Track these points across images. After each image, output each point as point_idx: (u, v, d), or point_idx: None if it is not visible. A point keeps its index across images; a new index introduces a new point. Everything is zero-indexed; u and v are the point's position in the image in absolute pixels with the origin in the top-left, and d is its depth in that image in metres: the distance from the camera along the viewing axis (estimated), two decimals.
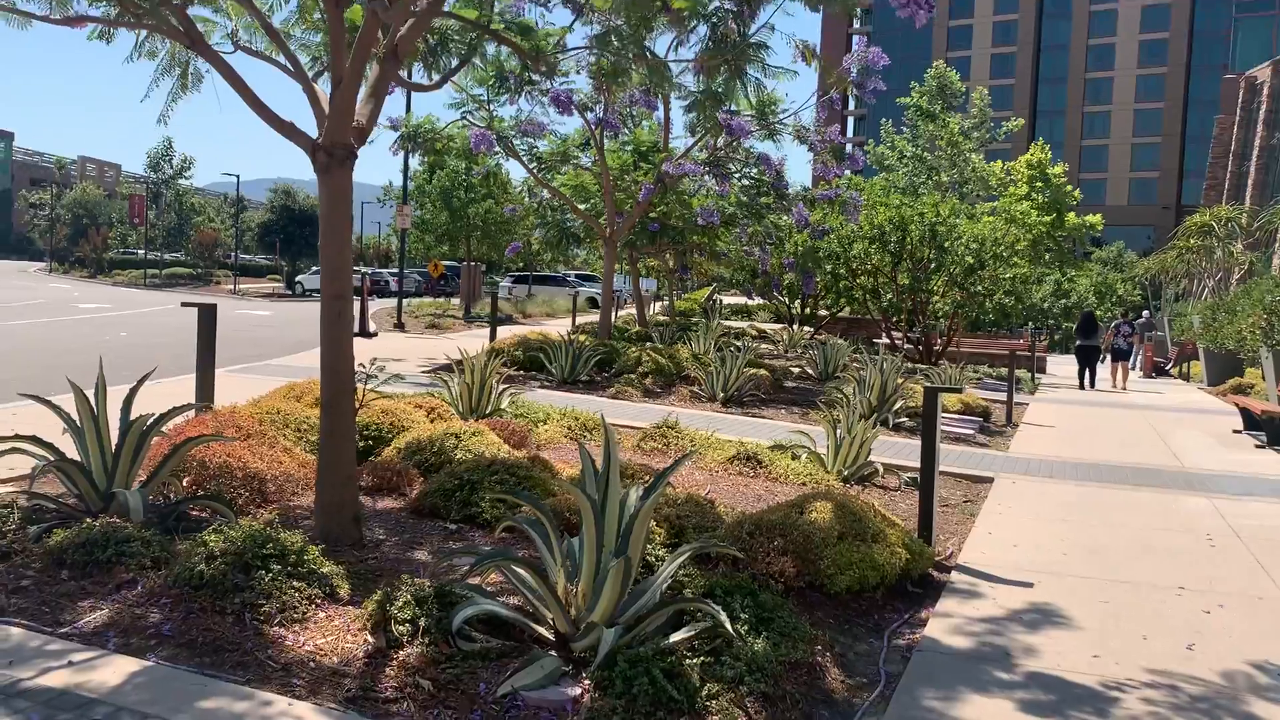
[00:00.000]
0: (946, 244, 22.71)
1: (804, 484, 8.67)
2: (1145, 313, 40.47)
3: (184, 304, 8.58)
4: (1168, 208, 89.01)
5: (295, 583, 4.59)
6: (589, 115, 16.63)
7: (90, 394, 5.78)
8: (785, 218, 20.44)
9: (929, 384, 6.63)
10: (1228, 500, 9.11)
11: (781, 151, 24.00)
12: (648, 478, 7.07)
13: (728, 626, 4.12)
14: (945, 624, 5.22)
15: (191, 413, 7.63)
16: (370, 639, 4.21)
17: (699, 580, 4.87)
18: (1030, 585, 6.01)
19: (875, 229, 23.00)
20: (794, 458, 9.44)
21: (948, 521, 7.80)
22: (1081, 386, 23.21)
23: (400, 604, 4.27)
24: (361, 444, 8.01)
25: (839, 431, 9.40)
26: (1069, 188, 47.49)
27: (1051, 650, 4.87)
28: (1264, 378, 18.15)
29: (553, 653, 4.16)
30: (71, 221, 76.86)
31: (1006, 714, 4.07)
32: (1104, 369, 25.14)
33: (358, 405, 5.81)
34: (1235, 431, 14.65)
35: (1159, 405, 19.04)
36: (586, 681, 3.97)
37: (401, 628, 4.19)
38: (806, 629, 4.67)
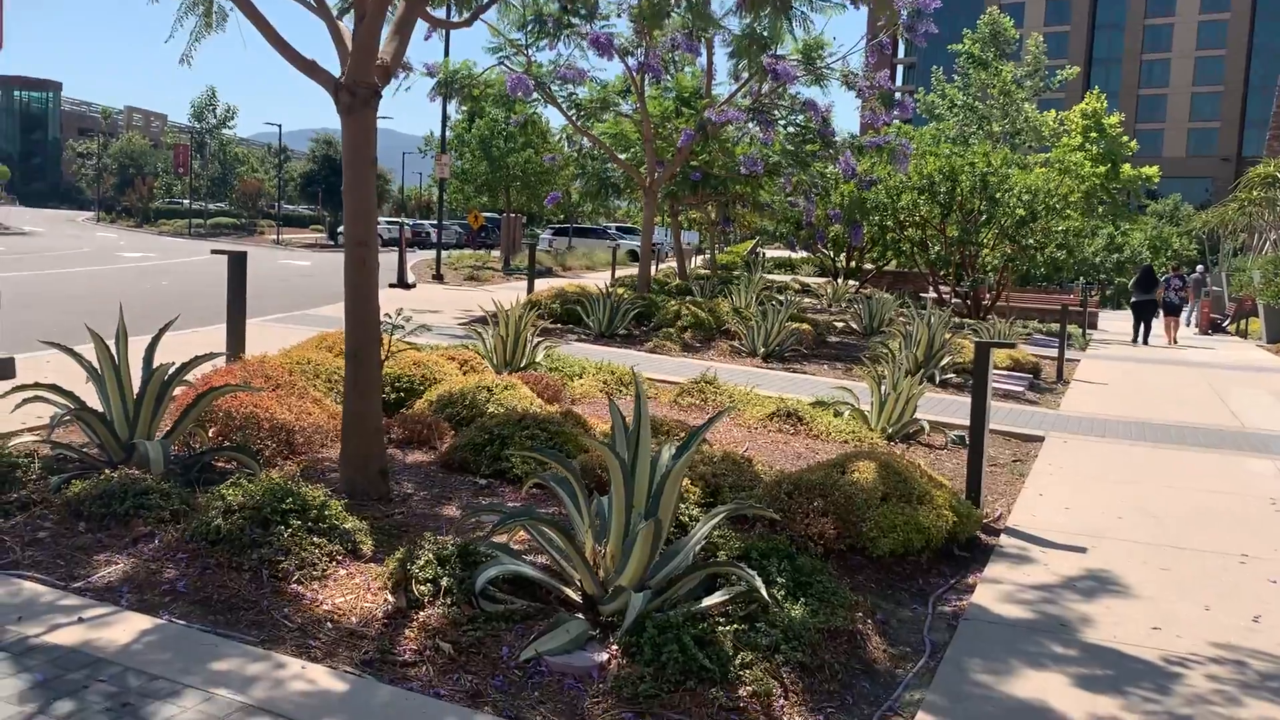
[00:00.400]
0: (998, 195, 22.06)
1: (846, 442, 8.40)
2: (1200, 267, 39.37)
3: (214, 251, 8.44)
4: (1228, 159, 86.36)
5: (315, 539, 4.43)
6: (629, 60, 16.20)
7: (111, 342, 5.64)
8: (831, 167, 19.90)
9: (979, 339, 6.30)
10: None
11: (828, 98, 23.24)
12: (683, 434, 6.84)
13: (763, 592, 3.90)
14: (994, 591, 4.96)
15: (221, 362, 7.51)
16: (390, 598, 4.05)
17: (734, 542, 4.65)
18: (1084, 550, 5.72)
19: (924, 179, 22.38)
20: (836, 414, 9.15)
21: (996, 482, 7.50)
22: (1135, 341, 22.77)
23: (422, 563, 4.10)
24: (393, 396, 7.86)
25: (884, 388, 9.10)
26: (1124, 138, 46.04)
27: (1108, 621, 4.60)
28: None
29: (579, 616, 3.97)
30: (118, 171, 77.66)
31: (1060, 690, 3.82)
32: (1158, 324, 24.53)
33: (385, 356, 5.62)
34: None
35: (1216, 362, 18.45)
36: (614, 647, 3.77)
37: (423, 587, 4.02)
38: (846, 594, 4.44)
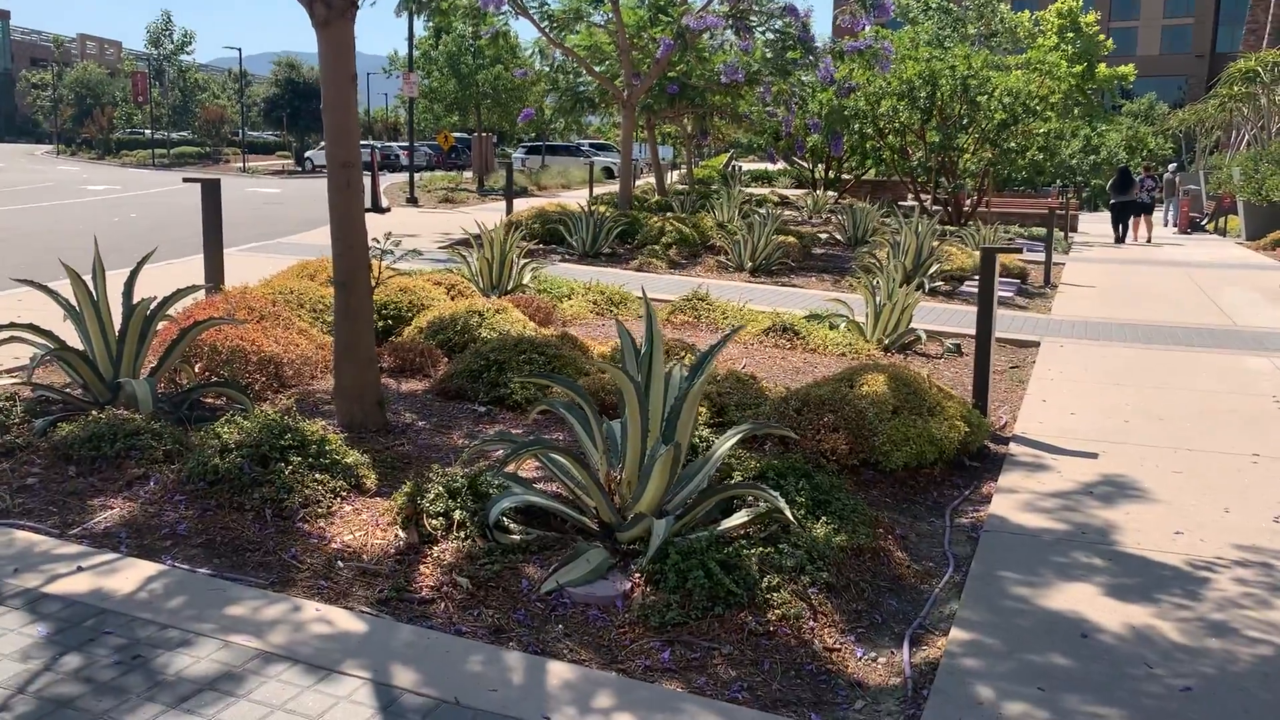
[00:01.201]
0: (978, 98, 21.71)
1: (843, 354, 8.29)
2: (1172, 165, 39.22)
3: (186, 180, 8.10)
4: (1201, 56, 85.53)
5: (317, 475, 4.28)
6: None
7: (89, 278, 5.39)
8: (810, 75, 19.45)
9: (983, 246, 6.15)
10: None
11: (807, 2, 22.55)
12: (683, 353, 6.70)
13: (788, 513, 3.79)
14: (1010, 500, 4.89)
15: (201, 294, 7.26)
16: (401, 534, 3.91)
17: (749, 462, 4.53)
18: (1095, 456, 5.66)
19: (904, 84, 21.96)
20: (831, 327, 9.03)
21: (996, 389, 7.40)
22: (1117, 242, 22.86)
23: (432, 496, 3.96)
24: (380, 324, 7.64)
25: (878, 298, 8.96)
26: (1101, 37, 45.44)
27: (1129, 527, 4.54)
28: None
29: (598, 545, 3.85)
30: (75, 102, 75.28)
31: (1091, 599, 3.76)
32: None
33: (374, 283, 5.40)
34: None
35: (1198, 261, 18.43)
36: (636, 575, 3.66)
37: (434, 521, 3.88)
38: (866, 510, 4.34)
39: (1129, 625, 3.55)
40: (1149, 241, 23.51)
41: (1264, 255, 20.08)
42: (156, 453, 4.57)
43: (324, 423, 5.28)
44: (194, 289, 5.85)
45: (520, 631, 3.35)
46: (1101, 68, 46.12)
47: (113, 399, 5.27)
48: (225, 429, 4.45)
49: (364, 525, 4.05)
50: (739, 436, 4.11)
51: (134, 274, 5.57)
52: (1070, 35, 44.27)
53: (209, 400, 5.76)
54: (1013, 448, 5.86)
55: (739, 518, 4.04)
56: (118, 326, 5.41)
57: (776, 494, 3.83)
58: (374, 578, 3.66)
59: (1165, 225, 30.42)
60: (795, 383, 7.24)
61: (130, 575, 3.56)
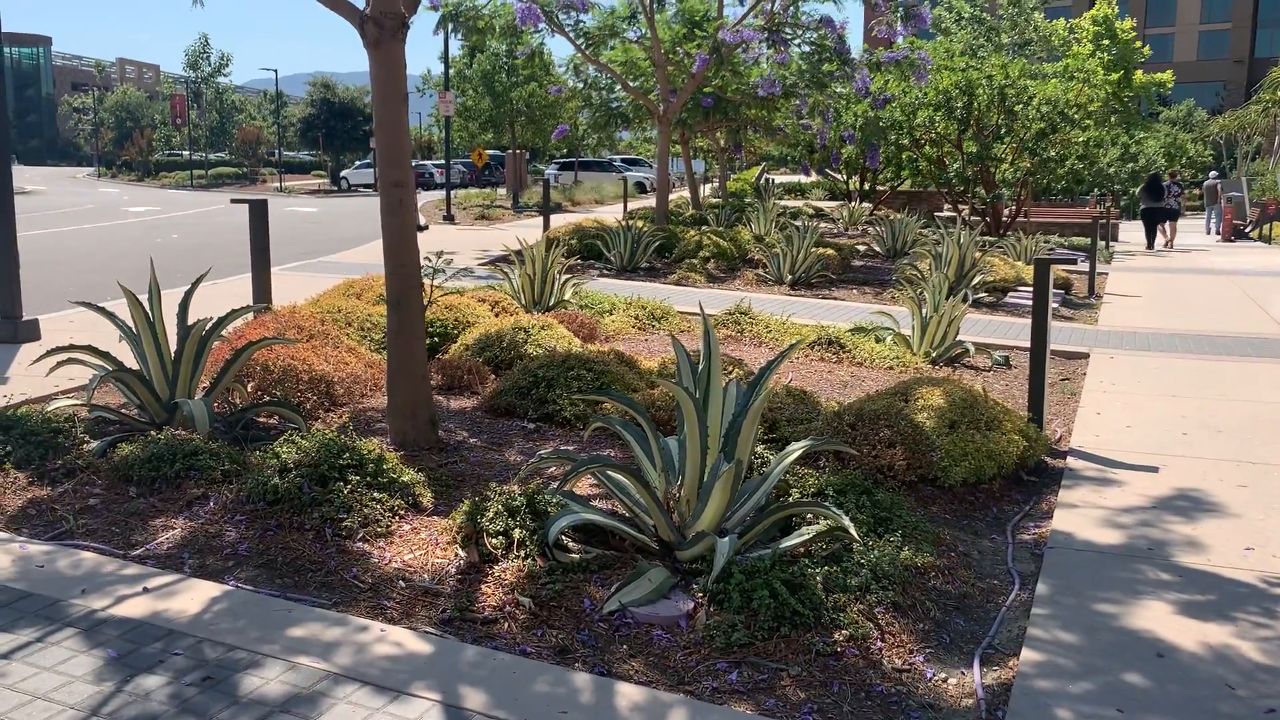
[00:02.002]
0: (1016, 108, 21.55)
1: (890, 368, 8.22)
2: (1214, 173, 38.68)
3: (233, 200, 8.21)
4: (1240, 61, 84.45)
5: (375, 494, 4.29)
6: None
7: (144, 299, 5.45)
8: (844, 88, 19.40)
9: (1038, 257, 6.08)
10: None
11: (843, 14, 22.53)
12: (731, 368, 6.66)
13: (852, 531, 3.73)
14: (1072, 517, 4.80)
15: (251, 315, 7.32)
16: (461, 553, 3.90)
17: (808, 479, 4.48)
18: (1155, 470, 5.55)
19: (940, 94, 21.86)
20: (878, 340, 8.95)
21: (1048, 402, 7.28)
22: (1150, 248, 22.82)
23: (491, 515, 3.95)
24: (427, 341, 7.67)
25: (924, 310, 8.88)
26: (1137, 44, 44.97)
27: (1197, 543, 4.44)
28: None
29: (659, 563, 3.82)
30: (115, 125, 76.71)
31: (1165, 618, 3.67)
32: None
33: (426, 302, 5.42)
34: None
35: (1245, 269, 18.12)
36: (700, 594, 3.63)
37: (494, 540, 3.87)
38: (929, 528, 4.28)
39: (1206, 644, 3.46)
40: (1170, 246, 23.55)
41: None
42: (215, 473, 4.60)
43: (378, 441, 5.30)
44: (247, 309, 5.90)
45: (585, 652, 3.33)
46: (1138, 74, 45.65)
47: (169, 419, 5.32)
48: (284, 448, 4.47)
49: (423, 544, 4.05)
50: (799, 452, 4.06)
51: (189, 294, 5.63)
52: (1106, 42, 43.86)
53: (263, 420, 5.80)
54: (1070, 461, 5.76)
55: (800, 536, 4.00)
56: (173, 347, 5.46)
57: (841, 513, 3.78)
58: (436, 597, 3.65)
59: (1208, 233, 29.99)
60: (844, 397, 7.18)
61: (194, 596, 3.58)
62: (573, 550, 3.93)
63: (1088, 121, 23.26)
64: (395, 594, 3.68)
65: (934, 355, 8.65)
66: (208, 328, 5.51)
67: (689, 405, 3.74)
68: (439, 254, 5.58)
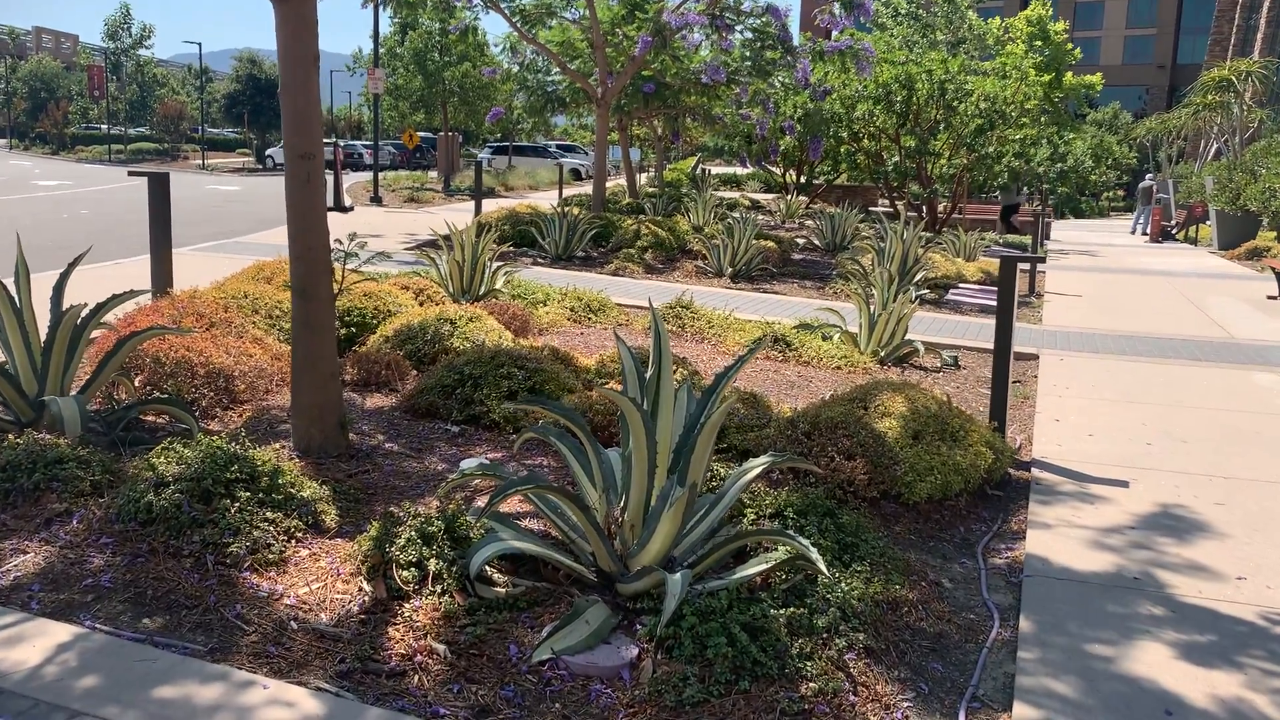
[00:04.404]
0: (955, 103, 21.42)
1: (839, 367, 7.82)
2: (1149, 175, 39.34)
3: (131, 173, 7.46)
4: (1163, 66, 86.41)
5: (269, 513, 3.70)
6: None
7: (10, 281, 4.77)
8: (787, 76, 18.99)
9: (1007, 255, 5.70)
10: None
11: (785, 2, 22.05)
12: (675, 368, 6.17)
13: (822, 568, 3.26)
14: (1046, 538, 4.41)
15: (146, 299, 6.62)
16: (367, 587, 3.34)
17: (764, 498, 4.00)
18: (1126, 485, 5.20)
19: (881, 88, 21.63)
20: (824, 338, 8.54)
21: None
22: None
23: (402, 542, 3.39)
24: (343, 331, 7.06)
25: (872, 307, 8.49)
26: (1069, 46, 45.56)
27: (1184, 570, 4.07)
28: None
29: (597, 599, 3.31)
30: (29, 95, 73.41)
31: (1166, 664, 3.27)
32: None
33: (337, 290, 4.83)
34: (1270, 298, 13.85)
35: (1178, 270, 18.20)
36: (645, 640, 3.12)
37: (405, 573, 3.32)
38: (898, 554, 3.84)
39: (1216, 698, 3.07)
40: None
41: (1240, 265, 19.90)
42: (83, 484, 3.97)
43: (279, 445, 4.71)
44: (134, 294, 5.22)
45: (511, 712, 2.81)
46: (1069, 76, 46.26)
47: (36, 419, 4.65)
48: (162, 459, 3.85)
49: (323, 574, 3.48)
50: (758, 470, 3.58)
51: (64, 276, 4.94)
52: (1039, 43, 44.33)
53: (150, 418, 5.15)
54: (1035, 474, 5.39)
55: (756, 565, 3.52)
56: (45, 336, 4.79)
57: (808, 543, 3.30)
58: (334, 643, 3.09)
59: (1133, 233, 30.41)
60: (791, 398, 6.75)
61: (39, 642, 2.97)
62: (498, 584, 3.39)
63: (1024, 120, 23.29)
64: (286, 638, 3.11)
65: (882, 354, 8.27)
66: (84, 314, 4.84)
67: (636, 419, 3.23)
68: (352, 236, 4.97)
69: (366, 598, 3.29)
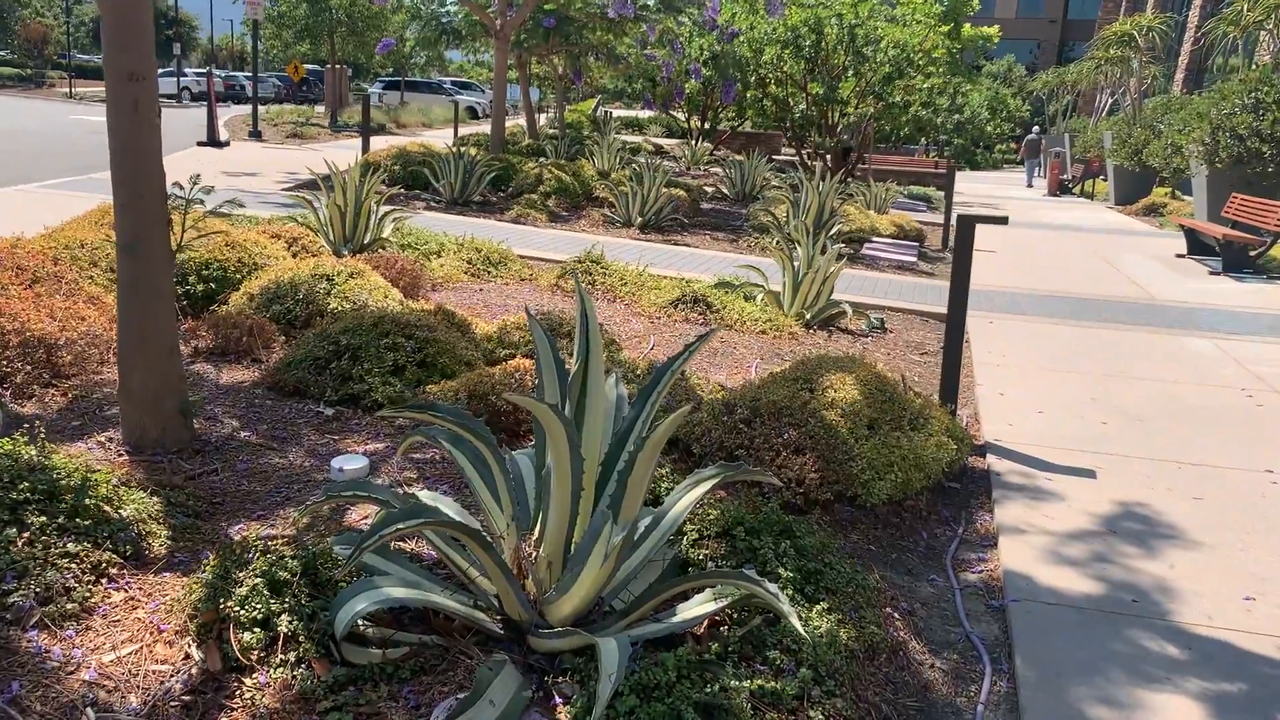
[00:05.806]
0: (865, 49, 20.90)
1: (764, 331, 7.17)
2: (1035, 129, 39.82)
3: None
4: (1054, 21, 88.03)
5: (72, 543, 2.83)
6: None
7: None
8: (698, 13, 18.13)
9: (964, 214, 5.07)
10: (1230, 341, 8.02)
11: None
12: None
13: (795, 624, 2.56)
14: (1022, 546, 3.83)
15: None
16: (196, 653, 2.52)
17: (709, 512, 3.29)
18: (1093, 476, 4.67)
19: (789, 31, 20.95)
20: (747, 299, 7.87)
21: (937, 376, 6.41)
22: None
23: (245, 593, 2.57)
24: (199, 288, 6.08)
25: (797, 265, 7.85)
26: None
27: (1183, 588, 3.53)
28: (1195, 197, 17.27)
29: (502, 656, 2.56)
30: None
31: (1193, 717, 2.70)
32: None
33: (176, 246, 3.90)
34: (1179, 255, 13.76)
35: (1079, 225, 18.15)
36: (562, 711, 2.40)
37: (248, 635, 2.50)
38: (868, 582, 3.18)
39: None
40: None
41: (1140, 220, 20.02)
42: None
43: (105, 437, 3.80)
44: None
45: None
46: (966, 28, 46.45)
47: None
48: None
49: (139, 632, 2.64)
50: (707, 487, 2.85)
51: None
52: None
53: None
54: (991, 461, 4.83)
55: (703, 604, 2.81)
56: None
57: (776, 590, 2.59)
58: None
59: (1029, 186, 30.65)
60: (715, 367, 6.07)
61: None
62: (372, 641, 2.61)
63: (931, 68, 22.98)
64: None
65: (808, 317, 7.65)
66: None
67: (559, 432, 2.46)
68: (193, 178, 4.03)
69: (195, 668, 2.47)
